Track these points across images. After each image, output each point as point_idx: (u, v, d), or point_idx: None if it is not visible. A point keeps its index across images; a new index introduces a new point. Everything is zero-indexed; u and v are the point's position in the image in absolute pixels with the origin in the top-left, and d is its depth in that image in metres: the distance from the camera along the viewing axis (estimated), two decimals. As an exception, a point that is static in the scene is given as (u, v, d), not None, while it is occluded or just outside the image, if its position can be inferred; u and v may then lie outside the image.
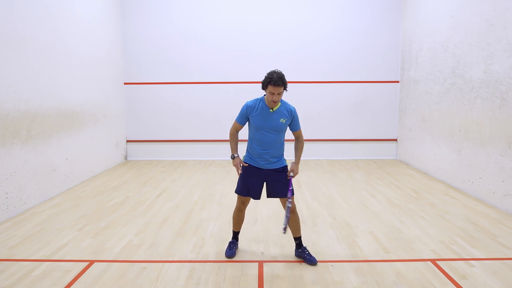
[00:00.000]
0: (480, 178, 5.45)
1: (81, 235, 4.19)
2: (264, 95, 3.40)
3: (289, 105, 3.46)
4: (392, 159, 8.53)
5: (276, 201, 4.76)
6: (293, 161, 3.51)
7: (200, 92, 8.51)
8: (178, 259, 3.60)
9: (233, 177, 6.92)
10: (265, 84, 3.24)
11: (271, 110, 3.35)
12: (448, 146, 6.35)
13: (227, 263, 3.52)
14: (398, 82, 8.45)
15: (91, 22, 6.99)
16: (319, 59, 8.44)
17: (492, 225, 4.43)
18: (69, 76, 6.21)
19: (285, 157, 3.58)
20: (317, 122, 8.53)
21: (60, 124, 5.92)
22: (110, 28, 7.80)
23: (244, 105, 3.44)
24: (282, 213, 4.83)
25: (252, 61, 8.41)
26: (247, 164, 3.48)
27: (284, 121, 3.39)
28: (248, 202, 3.62)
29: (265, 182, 3.51)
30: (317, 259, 3.49)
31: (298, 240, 3.57)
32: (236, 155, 3.51)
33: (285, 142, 3.56)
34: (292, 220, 3.47)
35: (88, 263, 3.51)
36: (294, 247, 3.67)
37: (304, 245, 3.64)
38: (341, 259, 3.58)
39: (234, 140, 3.53)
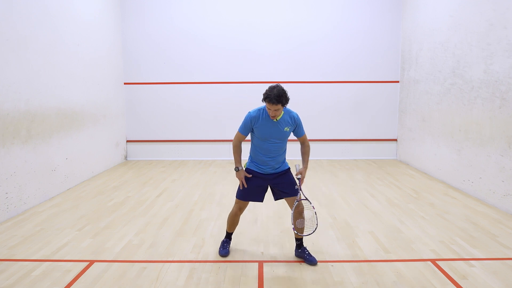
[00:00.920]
0: (480, 178, 5.45)
1: (81, 235, 4.19)
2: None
3: (292, 112, 3.45)
4: (392, 159, 8.53)
5: (276, 201, 4.75)
6: (299, 164, 3.49)
7: (200, 92, 8.52)
8: (178, 259, 3.60)
9: (233, 177, 6.92)
10: (263, 98, 3.23)
11: (275, 120, 3.35)
12: (448, 146, 6.35)
13: (227, 263, 3.52)
14: (398, 82, 8.45)
15: (91, 22, 6.99)
16: (319, 59, 8.44)
17: (492, 225, 4.43)
18: (69, 76, 6.21)
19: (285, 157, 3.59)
20: (317, 122, 8.53)
21: (60, 124, 5.92)
22: (110, 28, 7.80)
23: (248, 116, 3.39)
24: (282, 213, 4.84)
25: (252, 61, 8.41)
26: (250, 175, 3.46)
27: (288, 129, 3.41)
28: (245, 207, 3.61)
29: (269, 186, 3.51)
30: (317, 259, 3.50)
31: (300, 241, 3.57)
32: (240, 167, 3.46)
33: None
34: (301, 221, 3.46)
35: (88, 263, 3.51)
36: (294, 247, 3.68)
37: (304, 245, 3.64)
38: (341, 259, 3.58)
39: (238, 152, 3.48)
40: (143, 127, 8.63)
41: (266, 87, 3.36)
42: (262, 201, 3.54)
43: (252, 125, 3.37)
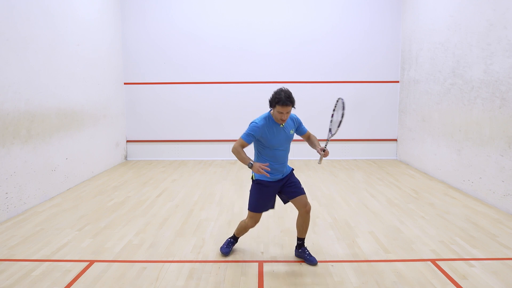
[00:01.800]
0: (480, 178, 5.45)
1: (81, 235, 4.19)
2: (270, 111, 3.35)
3: (292, 114, 3.46)
4: (392, 159, 8.53)
5: (276, 201, 4.75)
6: (319, 147, 3.47)
7: (200, 92, 8.52)
8: (178, 259, 3.59)
9: (233, 177, 6.92)
10: (273, 103, 3.19)
11: (281, 126, 3.34)
12: (448, 146, 6.34)
13: (227, 263, 3.52)
14: (398, 82, 8.45)
15: (91, 22, 6.99)
16: (319, 59, 8.44)
17: (492, 225, 4.43)
18: (69, 76, 6.21)
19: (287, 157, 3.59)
20: (317, 122, 8.50)
21: (60, 124, 5.92)
22: (110, 28, 7.80)
23: (254, 126, 3.27)
24: (282, 213, 4.84)
25: (253, 61, 8.41)
26: (267, 164, 3.25)
27: (293, 131, 3.44)
28: (259, 219, 3.53)
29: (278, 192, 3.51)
30: (317, 259, 3.50)
31: (301, 240, 3.57)
32: (252, 161, 3.27)
33: None
34: (303, 221, 3.46)
35: (88, 263, 3.51)
36: (294, 247, 3.68)
37: (304, 245, 3.63)
38: (341, 259, 3.58)
39: (243, 152, 3.30)
40: (143, 127, 8.63)
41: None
42: (273, 207, 3.54)
43: (260, 134, 3.28)
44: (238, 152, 3.28)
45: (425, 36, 7.16)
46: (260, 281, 3.18)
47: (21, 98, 4.98)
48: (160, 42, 8.42)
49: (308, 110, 8.33)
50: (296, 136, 3.64)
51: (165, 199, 5.55)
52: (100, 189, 6.09)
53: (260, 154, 3.41)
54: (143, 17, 8.38)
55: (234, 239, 3.76)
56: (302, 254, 3.53)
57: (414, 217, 4.71)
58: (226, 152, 8.56)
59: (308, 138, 3.60)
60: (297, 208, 3.46)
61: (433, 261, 3.52)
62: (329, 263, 3.50)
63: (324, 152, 3.41)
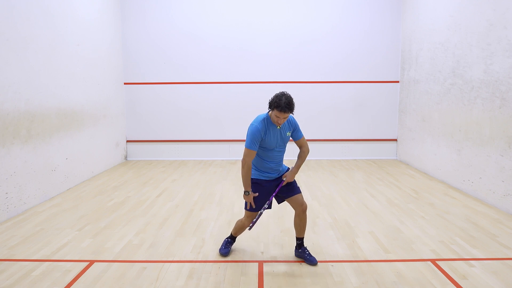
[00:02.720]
0: (480, 178, 5.45)
1: (81, 235, 4.19)
2: (268, 112, 3.34)
3: (290, 116, 3.43)
4: (392, 159, 8.53)
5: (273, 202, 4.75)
6: (292, 167, 3.47)
7: (200, 92, 8.52)
8: (178, 259, 3.60)
9: (233, 177, 6.92)
10: (272, 106, 3.18)
11: (278, 127, 3.34)
12: (448, 146, 6.35)
13: (227, 263, 3.52)
14: (398, 82, 8.45)
15: (91, 22, 6.99)
16: (319, 59, 8.44)
17: (492, 225, 4.43)
18: (69, 76, 6.21)
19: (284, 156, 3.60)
20: (317, 122, 8.53)
21: (60, 124, 5.92)
22: (110, 28, 7.80)
23: (255, 129, 3.25)
24: (282, 213, 4.84)
25: (253, 61, 8.41)
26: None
27: (289, 133, 3.43)
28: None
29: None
30: (317, 259, 3.50)
31: (300, 240, 3.57)
32: (250, 191, 3.35)
33: None
34: (301, 220, 3.46)
35: (88, 263, 3.51)
36: (294, 247, 3.68)
37: (304, 245, 3.63)
38: (341, 259, 3.58)
39: (249, 173, 3.30)
40: (143, 127, 8.63)
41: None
42: (271, 207, 3.53)
43: (261, 137, 3.28)
44: (247, 172, 3.29)
45: (425, 36, 7.16)
46: (260, 281, 3.18)
47: (21, 98, 4.98)
48: (160, 42, 8.42)
49: (308, 110, 8.34)
50: None
51: (165, 199, 5.55)
52: (100, 189, 6.10)
53: (257, 154, 3.41)
54: (143, 17, 8.38)
55: (231, 239, 3.76)
56: (302, 254, 3.53)
57: (414, 217, 4.71)
58: (226, 152, 8.56)
59: (301, 148, 3.52)
60: (293, 207, 3.47)
61: (433, 261, 3.52)
62: (329, 263, 3.50)
63: (284, 180, 3.43)
